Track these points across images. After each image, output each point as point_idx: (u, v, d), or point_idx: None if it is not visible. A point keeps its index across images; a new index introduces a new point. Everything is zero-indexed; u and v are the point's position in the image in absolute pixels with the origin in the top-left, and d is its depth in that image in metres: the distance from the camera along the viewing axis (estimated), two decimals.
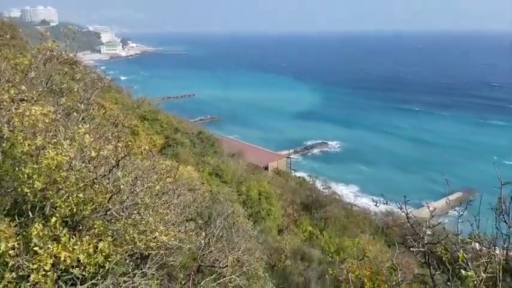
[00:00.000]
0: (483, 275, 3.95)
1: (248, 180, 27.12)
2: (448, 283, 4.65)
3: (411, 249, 4.95)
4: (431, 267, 4.94)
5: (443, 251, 5.10)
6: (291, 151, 72.71)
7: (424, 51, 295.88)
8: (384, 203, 35.57)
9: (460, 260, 4.26)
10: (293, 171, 59.13)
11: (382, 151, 71.63)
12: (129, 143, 7.24)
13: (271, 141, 76.26)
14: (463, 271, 3.93)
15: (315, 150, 75.09)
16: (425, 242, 4.83)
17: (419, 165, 63.66)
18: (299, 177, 52.62)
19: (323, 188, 36.84)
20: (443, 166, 62.13)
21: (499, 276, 4.84)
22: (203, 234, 8.68)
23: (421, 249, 4.67)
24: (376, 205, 27.09)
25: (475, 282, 3.93)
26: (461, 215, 5.51)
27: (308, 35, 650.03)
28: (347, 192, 56.42)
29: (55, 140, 5.59)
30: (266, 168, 51.54)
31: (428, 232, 5.74)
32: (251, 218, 20.12)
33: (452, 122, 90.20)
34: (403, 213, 5.40)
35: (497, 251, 5.12)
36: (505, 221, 4.65)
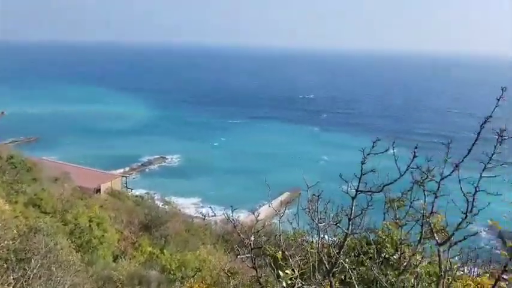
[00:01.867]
0: (296, 273, 4.33)
1: (76, 206, 24.29)
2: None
3: (238, 256, 5.12)
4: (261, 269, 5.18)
5: (268, 252, 5.44)
6: (127, 169, 69.23)
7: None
8: (213, 215, 37.02)
9: (279, 259, 4.59)
10: (130, 191, 56.22)
11: (220, 161, 74.76)
12: None
13: (104, 160, 70.49)
14: (280, 272, 4.23)
15: (153, 166, 73.11)
16: (252, 247, 5.04)
17: (255, 172, 68.18)
18: (137, 196, 50.30)
19: (162, 204, 36.03)
20: (276, 170, 68.82)
21: (316, 267, 5.44)
22: (11, 277, 7.25)
23: (246, 255, 4.86)
24: (203, 219, 27.85)
25: (291, 279, 4.28)
26: (282, 215, 6.01)
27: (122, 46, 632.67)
28: (188, 204, 56.78)
29: None
30: (98, 190, 47.42)
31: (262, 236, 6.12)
32: (80, 249, 18.04)
33: (279, 130, 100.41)
34: (246, 219, 5.59)
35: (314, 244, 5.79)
36: (312, 219, 5.26)
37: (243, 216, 32.42)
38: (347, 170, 5.68)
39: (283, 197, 57.13)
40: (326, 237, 6.83)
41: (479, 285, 4.89)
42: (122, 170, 66.38)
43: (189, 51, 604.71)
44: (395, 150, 5.46)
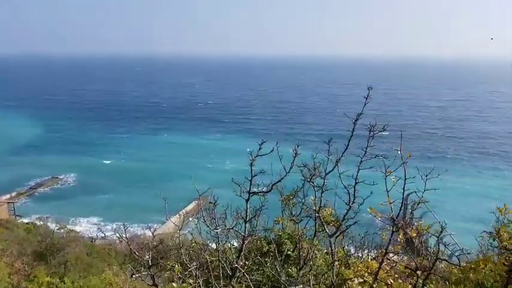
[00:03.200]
0: (196, 283, 4.26)
1: None
2: None
3: (133, 276, 4.85)
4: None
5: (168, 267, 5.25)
6: (14, 194, 61.58)
7: (143, 74, 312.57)
8: (103, 237, 35.00)
9: (177, 272, 4.46)
10: (19, 218, 50.18)
11: (120, 177, 70.45)
12: None
13: None
14: (174, 284, 4.12)
15: (45, 189, 65.94)
16: (149, 264, 4.81)
17: (157, 185, 65.93)
18: (28, 223, 45.03)
19: (58, 229, 32.75)
20: (180, 180, 67.26)
21: (219, 274, 5.41)
22: None
23: (143, 273, 4.63)
24: (92, 241, 26.16)
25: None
26: (180, 228, 5.86)
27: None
28: (89, 225, 52.65)
29: None
30: None
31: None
32: None
33: (171, 138, 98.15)
34: (149, 234, 5.28)
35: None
36: (206, 225, 5.23)
37: (149, 230, 31.13)
38: (247, 174, 5.79)
39: (191, 206, 56.27)
40: (233, 242, 6.89)
41: (368, 269, 5.34)
42: (8, 196, 58.73)
43: (68, 62, 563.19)
44: (295, 150, 5.69)
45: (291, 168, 5.20)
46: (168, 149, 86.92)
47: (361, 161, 5.42)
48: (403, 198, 4.89)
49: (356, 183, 5.38)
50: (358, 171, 5.41)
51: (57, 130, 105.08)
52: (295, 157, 5.25)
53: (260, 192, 5.23)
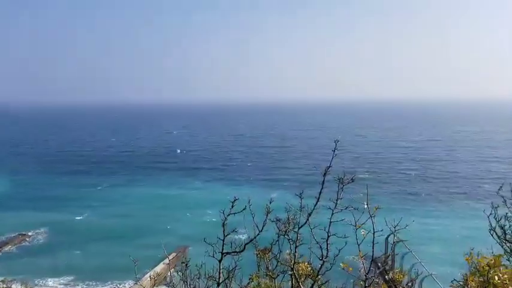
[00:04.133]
0: None
1: None
2: None
3: None
4: None
5: None
6: None
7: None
8: None
9: None
10: None
11: (93, 231, 67.41)
12: None
13: None
14: None
15: (10, 247, 61.99)
16: None
17: (133, 238, 63.81)
18: None
19: None
20: (157, 231, 65.48)
21: None
22: None
23: None
24: None
25: None
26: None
27: None
28: (60, 286, 49.56)
29: None
30: None
31: None
32: None
33: (146, 189, 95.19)
34: None
35: None
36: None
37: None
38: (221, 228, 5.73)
39: (171, 257, 54.62)
40: None
41: None
42: None
43: (32, 111, 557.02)
44: (267, 208, 5.70)
45: (263, 227, 5.21)
46: (143, 201, 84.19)
47: (332, 214, 5.50)
48: (373, 252, 4.94)
49: (328, 236, 5.43)
50: (330, 225, 5.47)
51: (23, 184, 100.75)
52: (267, 215, 5.27)
53: (233, 252, 5.17)
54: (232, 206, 5.12)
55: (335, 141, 5.37)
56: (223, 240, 5.09)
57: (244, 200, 5.92)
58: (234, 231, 5.16)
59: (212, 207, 74.20)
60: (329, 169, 5.41)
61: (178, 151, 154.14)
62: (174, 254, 55.84)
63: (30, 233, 66.83)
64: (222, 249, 5.09)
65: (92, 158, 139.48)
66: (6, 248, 61.41)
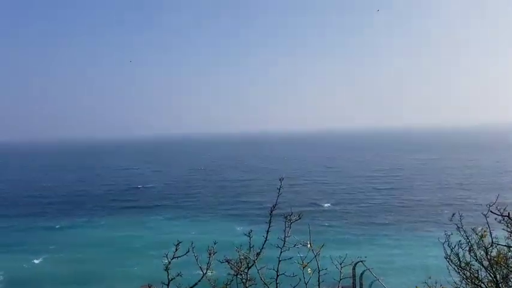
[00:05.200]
0: None
1: None
2: None
3: None
4: None
5: None
6: None
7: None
8: None
9: None
10: None
11: (49, 277, 63.17)
12: None
13: None
14: None
15: None
16: None
17: (95, 275, 60.94)
18: None
19: None
20: (117, 268, 62.90)
21: None
22: None
23: None
24: None
25: None
26: None
27: None
28: None
29: None
30: None
31: None
32: None
33: (104, 230, 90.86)
34: None
35: None
36: None
37: None
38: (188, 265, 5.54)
39: None
40: None
41: None
42: None
43: None
44: (211, 250, 5.62)
45: (207, 269, 5.15)
46: (101, 243, 79.62)
47: (281, 252, 5.52)
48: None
49: (277, 275, 5.42)
50: (278, 263, 5.48)
51: None
52: (210, 257, 5.22)
53: None
54: (176, 250, 5.05)
55: (280, 179, 5.48)
56: (167, 285, 4.97)
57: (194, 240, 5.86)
58: (178, 275, 5.06)
59: (174, 247, 71.79)
60: (275, 207, 5.47)
61: (140, 187, 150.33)
62: None
63: None
64: None
65: (47, 198, 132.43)
66: None
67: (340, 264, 5.11)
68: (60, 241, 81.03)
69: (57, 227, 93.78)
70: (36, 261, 70.34)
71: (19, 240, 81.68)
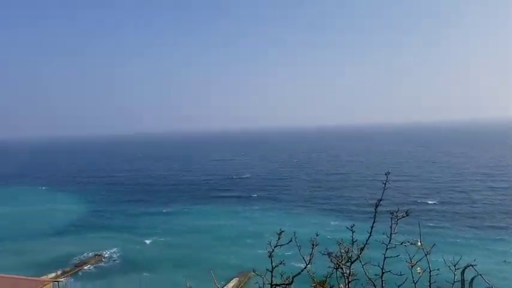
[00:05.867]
0: None
1: None
2: None
3: None
4: None
5: None
6: (59, 272, 62.70)
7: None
8: None
9: None
10: None
11: (158, 255, 70.44)
12: None
13: (31, 265, 64.36)
14: None
15: (88, 266, 66.79)
16: None
17: (198, 261, 65.85)
18: None
19: None
20: (220, 255, 67.44)
21: None
22: None
23: None
24: None
25: None
26: None
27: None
28: None
29: None
30: None
31: None
32: None
33: (204, 217, 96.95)
34: None
35: None
36: None
37: None
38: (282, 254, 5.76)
39: (233, 282, 55.21)
40: None
41: None
42: (53, 275, 60.14)
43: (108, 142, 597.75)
44: (313, 242, 5.66)
45: (310, 260, 5.19)
46: (202, 228, 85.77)
47: (387, 249, 5.32)
48: None
49: (383, 273, 5.24)
50: (384, 260, 5.29)
51: (97, 209, 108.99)
52: (313, 248, 5.24)
53: (282, 284, 5.19)
54: (279, 238, 5.19)
55: (386, 174, 5.25)
56: (271, 272, 5.14)
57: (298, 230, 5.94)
58: (281, 263, 5.20)
59: (269, 236, 74.37)
60: (380, 202, 5.28)
61: (235, 177, 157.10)
62: (236, 279, 56.29)
63: (105, 254, 71.71)
64: (271, 281, 5.14)
65: (156, 186, 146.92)
66: (86, 267, 66.29)
67: (454, 266, 4.73)
68: (166, 225, 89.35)
69: (164, 211, 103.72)
70: (147, 242, 78.84)
71: (133, 224, 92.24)
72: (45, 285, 48.62)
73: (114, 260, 69.33)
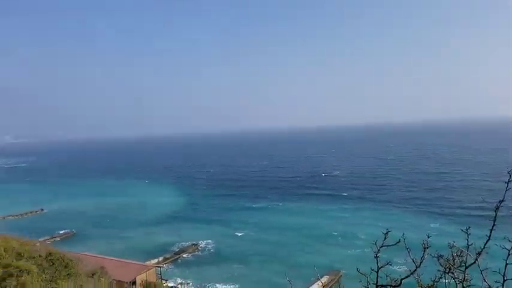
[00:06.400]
0: None
1: None
2: None
3: None
4: None
5: None
6: (161, 259, 68.61)
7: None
8: None
9: None
10: (164, 282, 55.26)
11: (251, 247, 73.15)
12: None
13: (138, 250, 71.62)
14: None
15: (186, 254, 71.98)
16: None
17: (287, 256, 66.68)
18: (171, 287, 49.56)
19: None
20: (308, 253, 67.46)
21: None
22: None
23: None
24: None
25: None
26: None
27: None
28: None
29: None
30: (134, 283, 46.88)
31: None
32: None
33: (307, 211, 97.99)
34: None
35: None
36: None
37: None
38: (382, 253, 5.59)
39: (323, 280, 54.64)
40: None
41: None
42: (155, 260, 66.05)
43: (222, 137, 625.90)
44: (425, 243, 5.39)
45: (421, 262, 4.95)
46: (293, 225, 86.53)
47: (509, 255, 4.84)
48: None
49: (504, 280, 4.80)
50: (505, 267, 4.84)
51: (195, 202, 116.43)
52: (425, 250, 4.99)
53: (389, 286, 5.03)
54: (385, 238, 5.03)
55: (509, 172, 4.78)
56: (377, 272, 5.01)
57: (399, 231, 5.74)
58: (388, 264, 5.04)
59: (361, 236, 72.36)
60: (502, 203, 4.84)
61: (324, 175, 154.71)
62: (327, 277, 55.64)
63: (201, 244, 76.65)
64: (377, 281, 5.02)
65: (247, 181, 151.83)
66: (184, 255, 71.67)
67: None
68: (256, 220, 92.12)
69: (254, 206, 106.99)
70: (239, 234, 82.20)
71: (225, 217, 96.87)
72: (149, 269, 53.63)
73: (209, 250, 73.65)
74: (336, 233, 77.18)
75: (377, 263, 5.19)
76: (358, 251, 65.58)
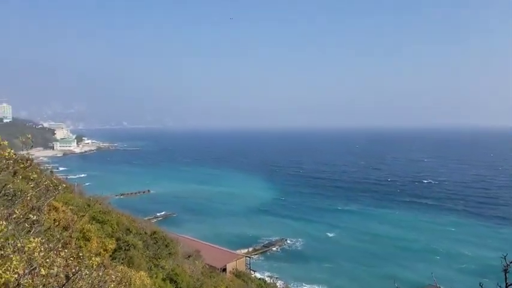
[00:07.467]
0: None
1: (205, 285, 25.44)
2: None
3: None
4: None
5: None
6: (250, 249, 70.55)
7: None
8: None
9: None
10: (253, 272, 56.69)
11: (340, 249, 71.34)
12: (80, 249, 6.77)
13: (229, 238, 74.43)
14: None
15: (274, 248, 73.13)
16: None
17: (379, 265, 63.37)
18: (259, 278, 50.46)
19: None
20: (401, 265, 63.46)
21: None
22: None
23: None
24: None
25: None
26: None
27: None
28: None
29: (1, 253, 5.07)
30: (224, 269, 48.99)
31: None
32: None
33: (404, 220, 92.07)
34: None
35: None
36: None
37: None
38: (488, 272, 4.89)
39: None
40: None
41: None
42: (245, 250, 68.14)
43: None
44: None
45: None
46: (390, 229, 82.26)
47: None
48: None
49: None
50: None
51: (287, 199, 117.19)
52: None
53: None
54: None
55: None
56: (505, 287, 4.35)
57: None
58: None
59: (473, 248, 65.53)
60: None
61: (425, 182, 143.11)
62: None
63: (290, 240, 77.22)
64: None
65: (341, 182, 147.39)
66: (274, 249, 73.03)
67: None
68: (347, 224, 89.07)
69: (345, 208, 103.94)
70: (330, 235, 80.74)
71: (315, 217, 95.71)
72: (239, 258, 55.55)
73: (298, 247, 73.78)
74: (436, 249, 70.69)
75: (505, 279, 4.49)
76: (463, 273, 59.18)
